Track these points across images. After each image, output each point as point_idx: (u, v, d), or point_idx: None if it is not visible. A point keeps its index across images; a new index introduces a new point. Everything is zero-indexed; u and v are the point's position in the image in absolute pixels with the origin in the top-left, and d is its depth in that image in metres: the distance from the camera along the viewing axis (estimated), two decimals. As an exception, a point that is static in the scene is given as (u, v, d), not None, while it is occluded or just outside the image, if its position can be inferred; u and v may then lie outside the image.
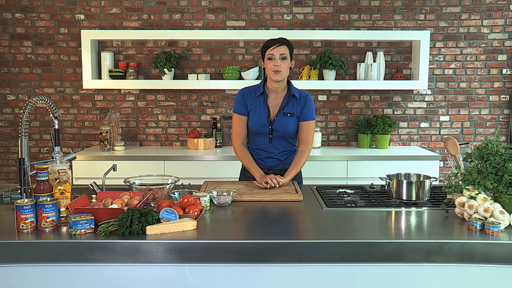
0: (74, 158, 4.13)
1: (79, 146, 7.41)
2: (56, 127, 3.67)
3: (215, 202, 3.71)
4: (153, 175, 4.18)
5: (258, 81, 4.96)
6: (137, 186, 3.80)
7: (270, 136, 4.62)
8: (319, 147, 7.17)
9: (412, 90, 7.35)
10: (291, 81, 4.70)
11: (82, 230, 2.93)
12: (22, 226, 2.98)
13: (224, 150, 7.01)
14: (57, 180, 3.24)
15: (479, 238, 2.94)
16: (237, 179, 4.96)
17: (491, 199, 3.20)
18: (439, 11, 7.21)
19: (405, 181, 3.85)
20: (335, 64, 6.95)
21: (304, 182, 4.77)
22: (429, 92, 7.38)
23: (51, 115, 3.69)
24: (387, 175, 4.03)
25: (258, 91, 4.65)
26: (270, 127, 4.58)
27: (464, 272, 2.94)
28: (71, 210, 3.10)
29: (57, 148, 3.54)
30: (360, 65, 7.08)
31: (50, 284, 2.92)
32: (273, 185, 4.25)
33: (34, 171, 3.24)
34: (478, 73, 7.34)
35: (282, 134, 4.62)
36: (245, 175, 4.81)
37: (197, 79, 7.00)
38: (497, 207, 3.13)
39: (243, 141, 4.70)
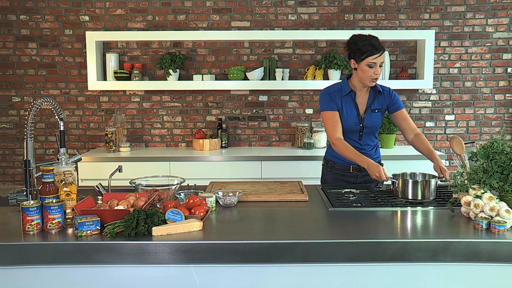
0: (80, 159, 4.13)
1: (85, 147, 7.42)
2: (62, 128, 3.68)
3: (221, 203, 3.71)
4: (158, 176, 4.19)
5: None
6: (143, 187, 3.80)
7: (361, 133, 4.66)
8: (324, 147, 7.15)
9: (417, 89, 7.34)
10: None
11: (88, 232, 2.93)
12: (28, 228, 2.98)
13: (230, 151, 7.02)
14: (63, 182, 3.24)
15: (485, 237, 2.94)
16: (241, 180, 4.96)
17: (497, 198, 3.20)
18: (444, 10, 7.21)
19: (410, 181, 3.85)
20: (340, 64, 6.94)
21: (309, 182, 4.77)
22: (434, 91, 7.38)
23: (56, 117, 3.70)
24: (392, 175, 4.04)
25: (344, 91, 4.64)
26: (361, 124, 4.63)
27: (470, 271, 2.94)
28: (77, 211, 3.10)
29: (62, 150, 3.55)
30: (365, 64, 7.07)
31: (56, 286, 2.93)
32: (384, 179, 4.13)
33: (40, 173, 3.25)
34: (483, 72, 7.33)
35: (371, 129, 4.68)
36: (333, 172, 4.85)
37: (202, 79, 7.00)
38: (503, 206, 3.12)
39: (341, 135, 4.57)
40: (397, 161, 6.46)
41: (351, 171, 4.68)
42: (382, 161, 4.84)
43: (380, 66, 4.45)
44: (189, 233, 2.99)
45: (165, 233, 2.95)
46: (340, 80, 4.86)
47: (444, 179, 4.12)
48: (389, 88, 4.75)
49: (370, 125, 4.64)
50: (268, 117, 7.43)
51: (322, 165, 5.02)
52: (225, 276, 2.94)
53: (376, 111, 4.65)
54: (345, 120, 4.60)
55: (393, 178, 4.00)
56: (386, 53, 7.02)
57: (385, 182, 4.18)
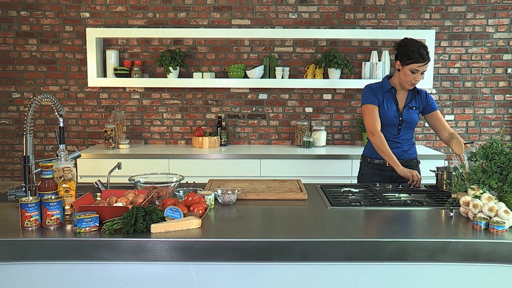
0: (79, 156, 4.13)
1: (84, 144, 7.42)
2: (61, 125, 3.68)
3: (220, 201, 3.71)
4: (158, 173, 4.18)
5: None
6: (142, 184, 3.81)
7: (399, 127, 4.87)
8: (324, 146, 7.17)
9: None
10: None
11: (87, 228, 2.93)
12: (27, 224, 2.98)
13: (229, 149, 7.02)
14: (62, 178, 3.24)
15: (483, 238, 2.94)
16: (240, 178, 4.97)
17: (495, 198, 3.20)
18: (444, 10, 7.21)
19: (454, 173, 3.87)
20: (340, 63, 6.95)
21: (309, 181, 4.78)
22: (434, 91, 7.38)
23: (56, 113, 3.69)
24: (436, 167, 4.33)
25: (385, 87, 4.89)
26: (400, 118, 4.84)
27: (469, 271, 2.94)
28: (75, 208, 3.10)
29: (62, 146, 3.55)
30: (365, 64, 7.08)
31: (54, 282, 2.93)
32: (416, 180, 4.45)
33: (39, 169, 3.25)
34: (483, 73, 7.34)
35: (409, 124, 4.90)
36: (370, 166, 5.04)
37: (202, 77, 7.01)
38: (502, 206, 3.12)
39: (380, 128, 4.82)
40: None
41: (387, 165, 4.81)
42: (419, 159, 5.10)
43: (422, 73, 4.67)
44: (188, 230, 2.99)
45: (164, 231, 2.95)
46: (380, 80, 5.05)
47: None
48: (425, 91, 4.99)
49: (408, 120, 4.86)
50: (268, 115, 7.43)
51: (360, 162, 5.20)
52: (223, 274, 2.94)
53: (414, 108, 4.88)
54: (385, 113, 4.82)
55: (438, 171, 4.22)
56: (386, 52, 7.03)
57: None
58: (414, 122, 4.93)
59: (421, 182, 4.45)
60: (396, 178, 4.77)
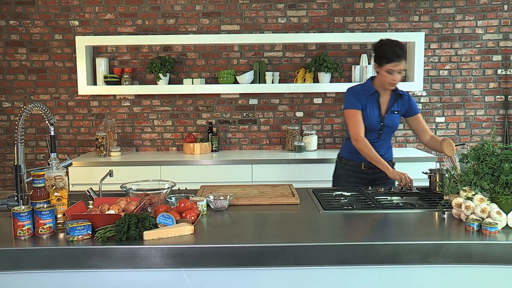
0: (71, 164, 4.13)
1: (75, 152, 7.41)
2: (52, 133, 3.67)
3: (212, 207, 3.71)
4: (149, 180, 4.18)
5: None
6: (133, 192, 3.80)
7: (380, 132, 4.89)
8: (315, 150, 7.17)
9: (408, 91, 7.34)
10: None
11: (80, 236, 2.93)
12: (19, 233, 2.98)
13: (220, 155, 7.02)
14: (54, 187, 3.24)
15: (476, 239, 2.95)
16: (232, 183, 4.99)
17: (488, 200, 3.21)
18: (433, 12, 7.23)
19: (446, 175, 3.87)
20: (330, 66, 6.95)
21: (300, 185, 4.79)
22: (424, 93, 7.39)
23: (47, 122, 3.68)
24: (429, 170, 4.36)
25: (369, 91, 4.87)
26: (382, 123, 4.85)
27: (462, 273, 2.95)
28: (68, 216, 3.10)
29: (53, 155, 3.54)
30: (355, 67, 7.09)
31: (47, 291, 2.93)
32: (407, 183, 4.44)
33: (31, 178, 3.24)
34: (473, 74, 7.36)
35: (390, 129, 4.96)
36: (345, 167, 5.08)
37: (192, 83, 7.00)
38: (494, 207, 3.13)
39: (363, 134, 4.79)
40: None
41: (362, 168, 4.88)
42: (394, 161, 5.14)
43: (400, 73, 4.67)
44: (180, 237, 2.99)
45: (157, 237, 2.95)
46: (362, 82, 5.07)
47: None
48: (408, 93, 5.02)
49: (390, 124, 4.91)
50: (259, 120, 7.43)
51: (336, 161, 5.23)
52: (217, 280, 2.94)
53: (396, 112, 4.91)
54: (368, 118, 4.82)
55: (430, 173, 4.26)
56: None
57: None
58: (395, 126, 5.00)
59: (413, 185, 4.45)
60: (371, 180, 4.84)
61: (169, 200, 3.75)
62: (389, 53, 4.62)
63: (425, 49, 7.12)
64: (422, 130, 5.00)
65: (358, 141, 4.74)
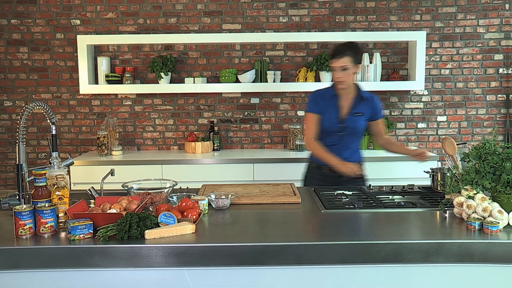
0: (72, 163, 4.13)
1: (77, 151, 7.41)
2: (54, 132, 3.67)
3: (214, 206, 3.71)
4: (151, 179, 4.18)
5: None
6: (135, 191, 3.80)
7: (341, 134, 4.86)
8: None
9: (409, 90, 7.35)
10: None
11: (81, 235, 2.93)
12: (21, 232, 2.97)
13: (222, 154, 7.02)
14: (55, 186, 3.24)
15: (478, 238, 2.94)
16: (233, 182, 5.00)
17: (489, 199, 3.20)
18: (435, 11, 7.22)
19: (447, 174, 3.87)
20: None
21: (301, 184, 4.80)
22: (426, 92, 7.39)
23: (48, 121, 3.68)
24: (431, 169, 4.32)
25: (329, 94, 4.91)
26: (341, 125, 4.84)
27: (463, 272, 2.94)
28: (69, 215, 3.10)
29: (54, 154, 3.54)
30: (356, 66, 7.08)
31: (49, 290, 2.93)
32: (354, 172, 4.58)
33: (32, 177, 3.24)
34: (475, 73, 7.35)
35: (352, 131, 4.88)
36: (310, 170, 5.13)
37: (194, 82, 7.00)
38: (496, 206, 3.13)
39: (315, 137, 4.90)
40: (389, 162, 6.46)
41: (322, 170, 4.90)
42: (364, 163, 5.13)
43: (345, 69, 4.68)
44: (182, 236, 2.99)
45: (158, 236, 2.94)
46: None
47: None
48: (374, 97, 5.00)
49: (351, 127, 4.85)
50: (260, 119, 7.43)
51: (307, 165, 5.23)
52: (218, 279, 2.94)
53: (358, 115, 4.87)
54: (327, 121, 4.85)
55: (432, 172, 4.26)
56: (378, 54, 7.03)
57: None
58: (358, 128, 4.93)
59: (415, 184, 4.45)
60: (335, 183, 4.77)
61: (170, 199, 3.76)
62: (331, 51, 4.74)
63: (426, 48, 7.12)
64: (379, 133, 5.09)
65: (308, 144, 4.90)
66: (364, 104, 4.88)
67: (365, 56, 7.06)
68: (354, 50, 4.71)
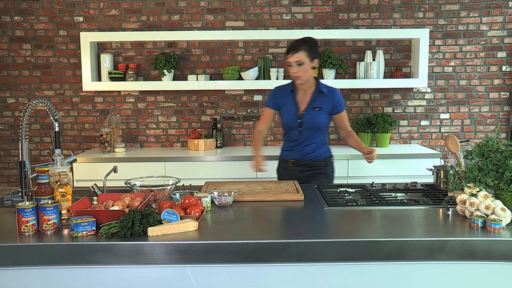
0: (75, 160, 4.13)
1: (80, 148, 7.42)
2: (57, 129, 3.68)
3: (216, 203, 3.71)
4: (154, 177, 4.18)
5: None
6: (138, 188, 3.80)
7: (300, 129, 4.90)
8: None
9: (412, 88, 7.35)
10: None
11: (84, 232, 2.93)
12: (24, 229, 2.98)
13: (225, 151, 7.02)
14: (58, 183, 3.24)
15: (480, 236, 2.94)
16: (236, 179, 5.04)
17: (492, 196, 3.21)
18: (438, 9, 7.21)
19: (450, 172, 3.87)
20: (334, 63, 6.95)
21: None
22: (429, 90, 7.39)
23: (51, 118, 3.69)
24: (434, 166, 4.34)
25: (287, 89, 4.99)
26: (299, 121, 4.88)
27: (466, 269, 2.94)
28: (72, 212, 3.10)
29: (57, 151, 3.55)
30: (359, 63, 7.08)
31: (52, 287, 2.93)
32: (258, 168, 4.74)
33: (35, 174, 3.25)
34: (478, 71, 7.35)
35: (311, 126, 4.91)
36: (280, 165, 5.24)
37: (197, 79, 7.01)
38: (499, 204, 3.12)
39: (262, 130, 5.10)
40: (392, 159, 6.47)
41: (290, 165, 5.03)
42: (333, 160, 5.19)
43: (301, 65, 4.75)
44: (185, 233, 2.99)
45: (161, 234, 2.95)
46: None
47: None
48: (335, 90, 5.02)
49: (309, 122, 4.90)
50: (263, 116, 7.43)
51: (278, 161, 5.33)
52: (221, 276, 2.94)
53: (318, 109, 4.90)
54: (286, 116, 4.97)
55: (435, 170, 4.27)
56: (381, 52, 7.03)
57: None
58: (318, 123, 4.93)
59: (418, 181, 4.44)
60: (304, 177, 4.88)
61: (173, 196, 3.75)
62: (287, 46, 4.87)
63: (429, 45, 7.10)
64: (341, 126, 5.09)
65: (253, 134, 5.11)
66: (323, 98, 4.91)
67: (368, 54, 7.06)
68: (310, 45, 4.78)
